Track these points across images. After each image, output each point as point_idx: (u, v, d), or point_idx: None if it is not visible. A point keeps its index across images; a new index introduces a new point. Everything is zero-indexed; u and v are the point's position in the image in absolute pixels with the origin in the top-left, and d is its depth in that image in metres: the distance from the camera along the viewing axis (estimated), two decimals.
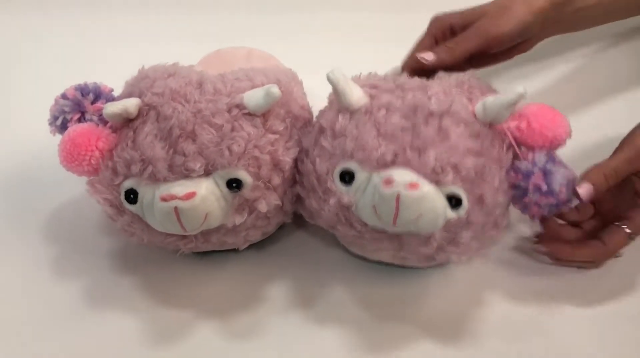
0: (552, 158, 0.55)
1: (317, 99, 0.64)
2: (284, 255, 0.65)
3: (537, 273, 0.62)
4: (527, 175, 0.54)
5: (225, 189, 0.56)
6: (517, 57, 0.71)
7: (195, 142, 0.55)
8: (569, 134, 0.56)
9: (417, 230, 0.53)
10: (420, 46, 0.67)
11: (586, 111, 0.76)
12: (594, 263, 0.60)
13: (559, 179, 0.54)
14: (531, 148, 0.55)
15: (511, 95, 0.53)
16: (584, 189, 0.54)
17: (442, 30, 0.67)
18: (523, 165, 0.55)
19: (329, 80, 0.55)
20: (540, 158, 0.55)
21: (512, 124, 0.55)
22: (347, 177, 0.54)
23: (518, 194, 0.55)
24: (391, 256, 0.59)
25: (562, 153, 0.56)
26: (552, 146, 0.55)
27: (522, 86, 0.52)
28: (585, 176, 0.55)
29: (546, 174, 0.54)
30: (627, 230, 0.57)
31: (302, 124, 0.62)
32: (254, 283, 0.63)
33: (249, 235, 0.60)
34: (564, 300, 0.60)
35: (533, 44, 0.70)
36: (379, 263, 0.62)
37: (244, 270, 0.64)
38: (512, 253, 0.64)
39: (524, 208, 0.56)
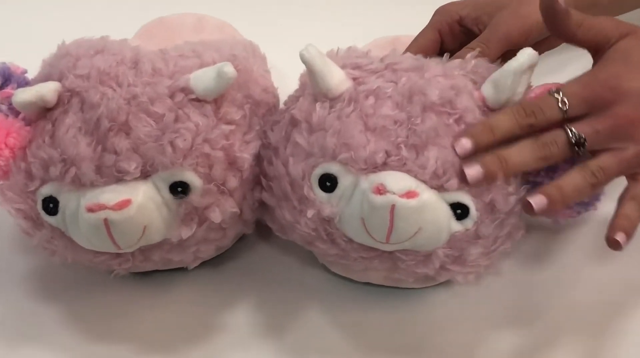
0: None
1: (285, 78, 0.64)
2: (246, 274, 0.64)
3: (554, 290, 0.63)
4: (552, 170, 0.54)
5: (168, 195, 0.55)
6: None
7: (129, 136, 0.54)
8: None
9: (415, 247, 0.53)
10: (422, 40, 0.66)
11: None
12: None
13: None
14: None
15: (521, 57, 0.52)
16: (464, 144, 0.52)
17: (449, 24, 0.66)
18: None
19: (303, 60, 0.54)
20: None
21: None
22: (328, 182, 0.53)
23: None
24: (382, 278, 0.59)
25: None
26: None
27: (530, 49, 0.53)
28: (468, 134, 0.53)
29: (570, 162, 0.54)
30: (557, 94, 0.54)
31: (266, 111, 0.61)
32: (209, 310, 0.62)
33: (200, 251, 0.59)
34: (587, 326, 0.60)
35: None
36: (367, 284, 0.62)
37: (195, 294, 0.63)
38: (528, 267, 0.64)
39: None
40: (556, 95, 0.53)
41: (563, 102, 0.53)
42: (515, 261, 0.64)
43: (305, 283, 0.64)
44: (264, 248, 0.66)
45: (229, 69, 0.54)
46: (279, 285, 0.64)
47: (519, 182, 0.55)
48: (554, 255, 0.65)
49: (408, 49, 0.65)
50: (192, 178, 0.55)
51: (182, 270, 0.62)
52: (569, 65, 0.78)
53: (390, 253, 0.54)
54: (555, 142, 0.53)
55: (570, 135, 0.52)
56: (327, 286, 0.63)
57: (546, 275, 0.64)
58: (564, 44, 0.68)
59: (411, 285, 0.60)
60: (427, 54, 0.61)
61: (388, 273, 0.57)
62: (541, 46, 0.67)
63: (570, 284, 0.63)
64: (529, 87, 0.55)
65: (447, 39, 0.66)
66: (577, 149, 0.52)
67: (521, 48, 0.56)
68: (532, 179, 0.55)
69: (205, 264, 0.62)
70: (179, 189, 0.54)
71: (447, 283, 0.62)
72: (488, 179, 0.52)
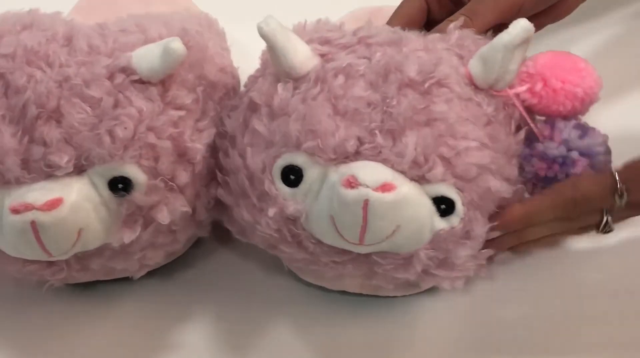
0: (583, 128, 0.55)
1: (247, 56, 0.63)
2: (202, 284, 0.64)
3: (553, 296, 0.63)
4: (563, 163, 0.54)
5: (107, 193, 0.54)
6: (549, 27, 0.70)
7: (60, 125, 0.53)
8: (601, 85, 0.56)
9: (393, 248, 0.53)
10: (406, 9, 0.65)
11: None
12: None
13: (601, 154, 0.55)
14: (553, 117, 0.56)
15: (514, 30, 0.52)
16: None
17: None
18: (553, 150, 0.54)
19: (262, 33, 0.53)
20: (570, 132, 0.55)
21: (521, 88, 0.55)
22: (292, 175, 0.53)
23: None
24: (358, 285, 0.60)
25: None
26: (583, 107, 0.55)
27: (524, 20, 0.53)
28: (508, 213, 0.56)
29: (590, 155, 0.54)
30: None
31: (223, 94, 0.61)
32: (159, 327, 0.62)
33: (146, 258, 0.59)
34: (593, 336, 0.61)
35: (570, 9, 0.69)
36: (343, 293, 0.62)
37: (143, 308, 0.63)
38: (523, 271, 0.64)
39: None
40: (618, 200, 0.55)
41: (619, 208, 0.56)
42: (510, 263, 0.64)
43: (271, 294, 0.64)
44: (222, 253, 0.66)
45: (177, 45, 0.53)
46: (240, 297, 0.63)
47: (515, 173, 0.55)
48: (553, 257, 0.65)
49: (390, 21, 0.64)
50: (135, 173, 0.54)
51: (126, 280, 0.62)
52: (576, 42, 0.82)
53: (366, 256, 0.54)
54: (586, 229, 0.58)
55: (605, 229, 0.57)
56: (296, 296, 0.63)
57: (546, 282, 0.64)
58: (569, 17, 0.70)
59: (392, 292, 0.60)
60: (412, 25, 0.61)
61: (364, 279, 0.56)
62: (543, 18, 0.67)
63: (570, 291, 0.64)
64: (524, 62, 0.55)
65: (435, 8, 0.65)
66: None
67: (515, 19, 0.56)
68: (539, 175, 0.56)
69: (153, 273, 0.62)
70: (120, 185, 0.54)
71: (433, 290, 0.62)
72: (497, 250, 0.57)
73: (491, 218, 0.55)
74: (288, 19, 0.56)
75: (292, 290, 0.64)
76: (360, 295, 0.61)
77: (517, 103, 0.55)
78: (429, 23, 0.64)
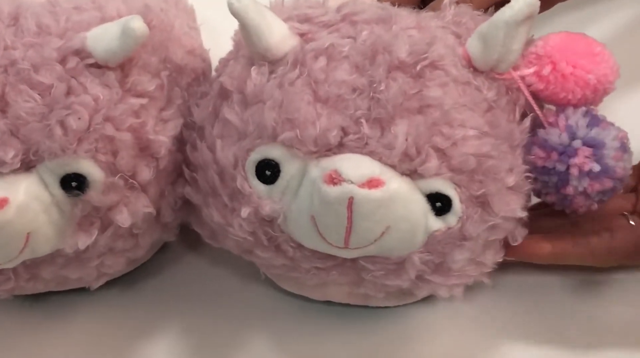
0: (594, 117, 0.55)
1: (219, 37, 0.63)
2: (168, 294, 0.65)
3: (561, 303, 0.63)
4: (564, 152, 0.54)
5: (59, 192, 0.54)
6: (561, 6, 0.71)
7: (5, 115, 0.53)
8: (617, 73, 0.55)
9: (383, 252, 0.53)
10: None
11: None
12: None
13: (612, 149, 0.54)
14: (562, 106, 0.55)
15: (516, 5, 0.52)
16: None
17: None
18: (554, 136, 0.54)
19: (232, 10, 0.53)
20: (578, 120, 0.54)
21: (527, 70, 0.55)
22: (268, 170, 0.53)
23: (550, 183, 0.55)
24: (345, 294, 0.60)
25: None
26: (595, 96, 0.55)
27: None
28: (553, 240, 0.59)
29: (595, 145, 0.54)
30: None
31: (192, 80, 0.62)
32: (120, 342, 0.62)
33: (105, 265, 0.59)
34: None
35: None
36: (327, 303, 0.62)
37: (102, 321, 0.63)
38: (531, 276, 0.65)
39: (562, 201, 0.56)
40: None
41: None
42: (515, 269, 0.64)
43: (246, 305, 0.64)
44: (191, 259, 0.66)
45: (137, 24, 0.53)
46: (211, 308, 0.63)
47: (520, 165, 0.54)
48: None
49: None
50: (91, 169, 0.54)
51: (83, 291, 0.61)
52: (594, 22, 0.82)
53: (352, 261, 0.54)
54: None
55: None
56: (275, 307, 0.63)
57: (556, 287, 0.64)
58: None
59: (382, 302, 0.60)
60: (404, 2, 0.61)
61: (351, 287, 0.57)
62: None
63: (583, 297, 0.64)
64: (531, 41, 0.55)
65: None
66: None
67: None
68: (539, 165, 0.55)
69: (113, 283, 0.62)
70: (74, 183, 0.53)
71: (428, 299, 0.62)
72: None
73: (509, 248, 0.57)
74: None
75: (270, 301, 0.64)
76: (347, 305, 0.62)
77: (522, 86, 0.55)
78: (425, 1, 0.63)
